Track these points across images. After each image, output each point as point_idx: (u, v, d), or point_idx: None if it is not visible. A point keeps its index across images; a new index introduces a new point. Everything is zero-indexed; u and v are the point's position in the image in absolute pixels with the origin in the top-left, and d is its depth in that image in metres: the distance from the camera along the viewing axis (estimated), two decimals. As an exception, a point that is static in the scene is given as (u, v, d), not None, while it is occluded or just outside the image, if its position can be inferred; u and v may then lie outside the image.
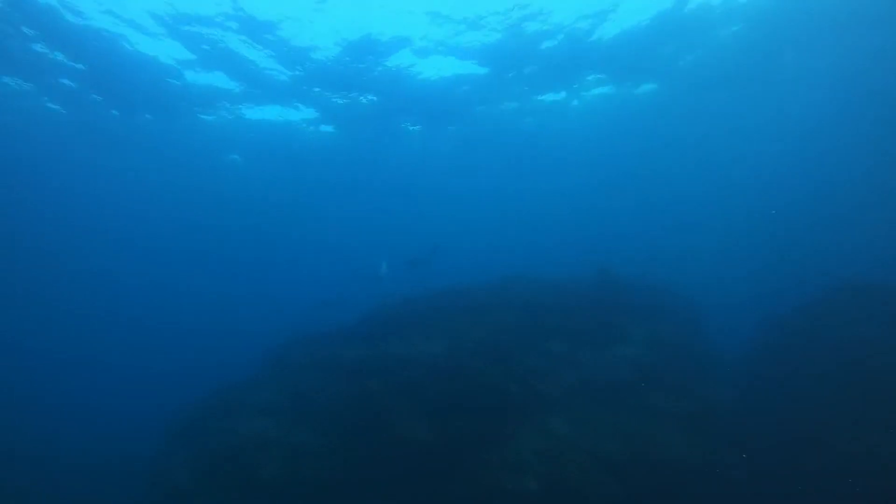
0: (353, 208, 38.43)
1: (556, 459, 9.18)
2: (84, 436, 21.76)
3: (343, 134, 24.68)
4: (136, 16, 15.58)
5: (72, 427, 23.17)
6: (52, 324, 46.87)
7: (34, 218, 33.94)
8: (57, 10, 15.16)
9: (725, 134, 26.19)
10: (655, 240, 43.35)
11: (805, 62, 19.28)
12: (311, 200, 35.94)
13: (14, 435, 20.90)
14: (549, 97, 22.07)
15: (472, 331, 12.55)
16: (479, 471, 9.29)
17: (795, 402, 10.70)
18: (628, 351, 12.08)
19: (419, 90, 20.60)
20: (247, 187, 31.71)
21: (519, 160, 29.80)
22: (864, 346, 10.92)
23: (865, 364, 10.51)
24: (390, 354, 12.17)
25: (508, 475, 8.99)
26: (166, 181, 30.11)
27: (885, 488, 8.20)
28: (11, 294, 43.37)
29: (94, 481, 16.39)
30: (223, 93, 20.40)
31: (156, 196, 32.75)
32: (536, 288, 14.82)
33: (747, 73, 20.23)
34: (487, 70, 19.53)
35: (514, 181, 33.92)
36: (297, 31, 16.58)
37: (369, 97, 21.25)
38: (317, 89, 20.35)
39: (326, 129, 24.11)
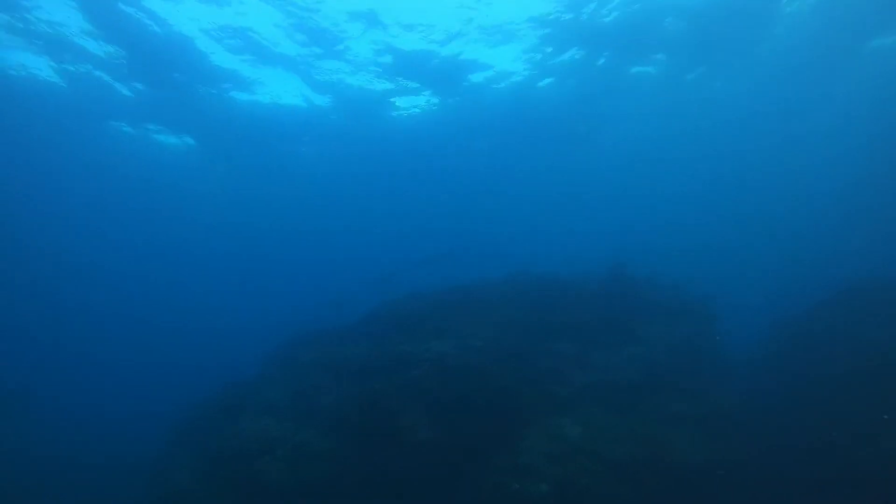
0: (353, 208, 38.12)
1: (566, 462, 8.96)
2: (87, 436, 21.75)
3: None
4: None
5: (75, 427, 23.15)
6: (56, 323, 46.93)
7: (36, 215, 33.90)
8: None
9: (740, 135, 25.83)
10: (668, 240, 42.86)
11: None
12: (311, 201, 35.65)
13: (17, 435, 20.88)
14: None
15: (481, 329, 12.30)
16: (488, 473, 9.10)
17: (809, 405, 10.47)
18: (641, 351, 11.84)
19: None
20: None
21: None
22: (879, 347, 10.65)
23: (880, 365, 10.24)
24: (396, 353, 11.96)
25: (517, 478, 8.79)
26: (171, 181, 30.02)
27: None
28: (12, 294, 43.41)
29: (98, 481, 16.33)
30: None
31: (156, 196, 32.65)
32: (547, 285, 14.59)
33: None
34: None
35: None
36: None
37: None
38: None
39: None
